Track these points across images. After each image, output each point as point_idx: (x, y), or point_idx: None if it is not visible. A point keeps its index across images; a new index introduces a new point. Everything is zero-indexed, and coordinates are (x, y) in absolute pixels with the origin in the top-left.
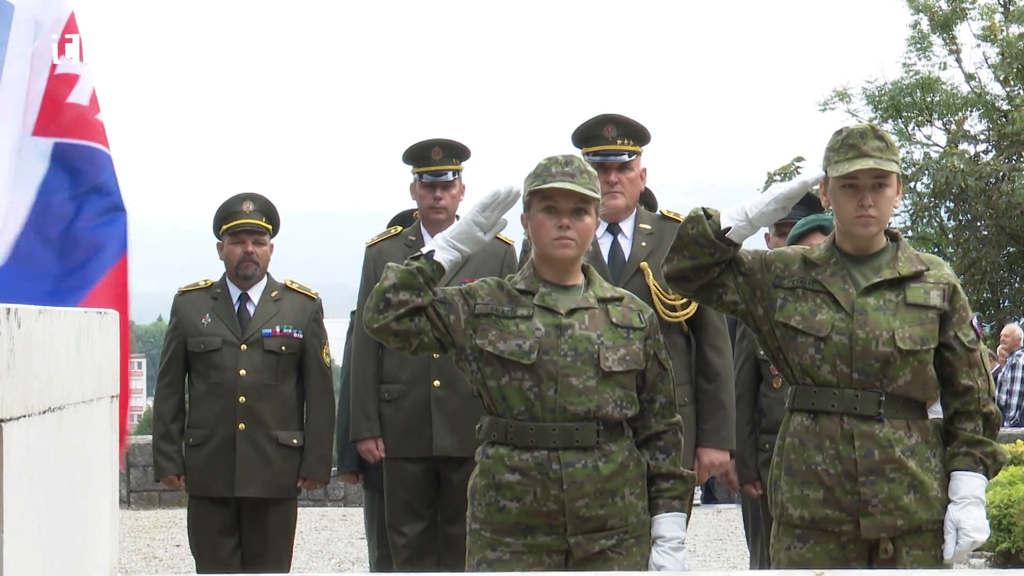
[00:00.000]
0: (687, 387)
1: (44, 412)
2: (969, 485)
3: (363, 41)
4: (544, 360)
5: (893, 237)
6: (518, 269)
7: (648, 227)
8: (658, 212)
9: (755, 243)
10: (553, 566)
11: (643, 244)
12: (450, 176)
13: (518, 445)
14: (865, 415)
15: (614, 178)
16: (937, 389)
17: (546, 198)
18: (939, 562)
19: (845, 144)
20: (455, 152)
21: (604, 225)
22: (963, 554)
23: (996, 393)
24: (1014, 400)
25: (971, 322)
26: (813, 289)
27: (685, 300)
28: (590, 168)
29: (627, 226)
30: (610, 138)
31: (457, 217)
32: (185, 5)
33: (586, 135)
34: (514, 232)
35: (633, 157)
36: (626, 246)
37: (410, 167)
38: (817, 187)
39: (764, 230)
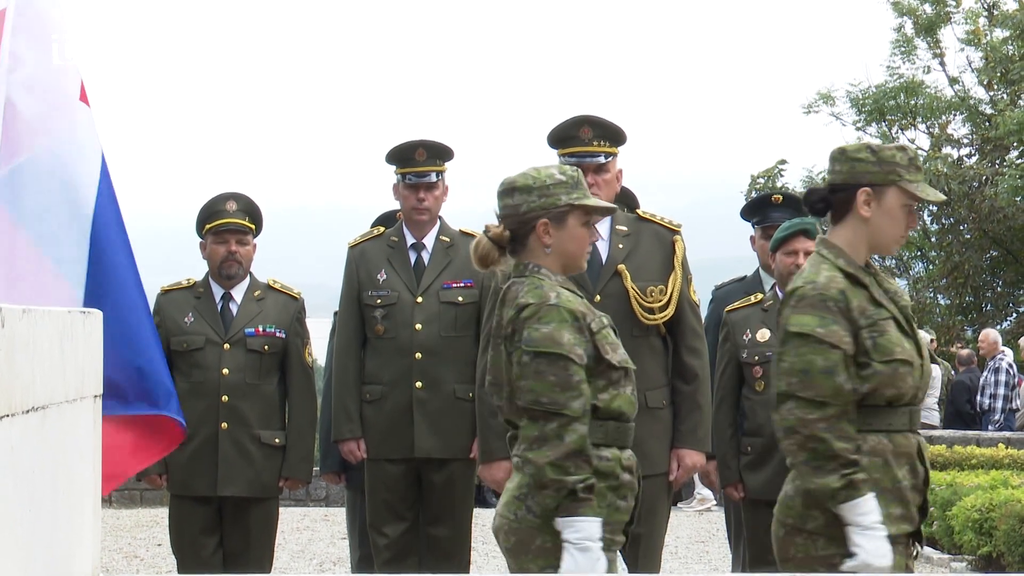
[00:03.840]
0: (665, 389)
1: (27, 411)
2: None
3: (345, 38)
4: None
5: None
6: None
7: (624, 228)
8: (634, 213)
9: (742, 246)
10: None
11: (620, 246)
12: (433, 177)
13: (624, 445)
14: (918, 430)
15: (591, 179)
16: None
17: (589, 213)
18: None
19: (914, 165)
20: (438, 153)
21: None
22: None
23: (979, 397)
24: (998, 404)
25: None
26: (883, 317)
27: (663, 303)
28: None
29: (603, 228)
30: (586, 139)
31: (440, 218)
32: (166, 2)
33: (562, 136)
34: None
35: (609, 159)
36: (603, 248)
37: (393, 168)
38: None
39: (750, 232)
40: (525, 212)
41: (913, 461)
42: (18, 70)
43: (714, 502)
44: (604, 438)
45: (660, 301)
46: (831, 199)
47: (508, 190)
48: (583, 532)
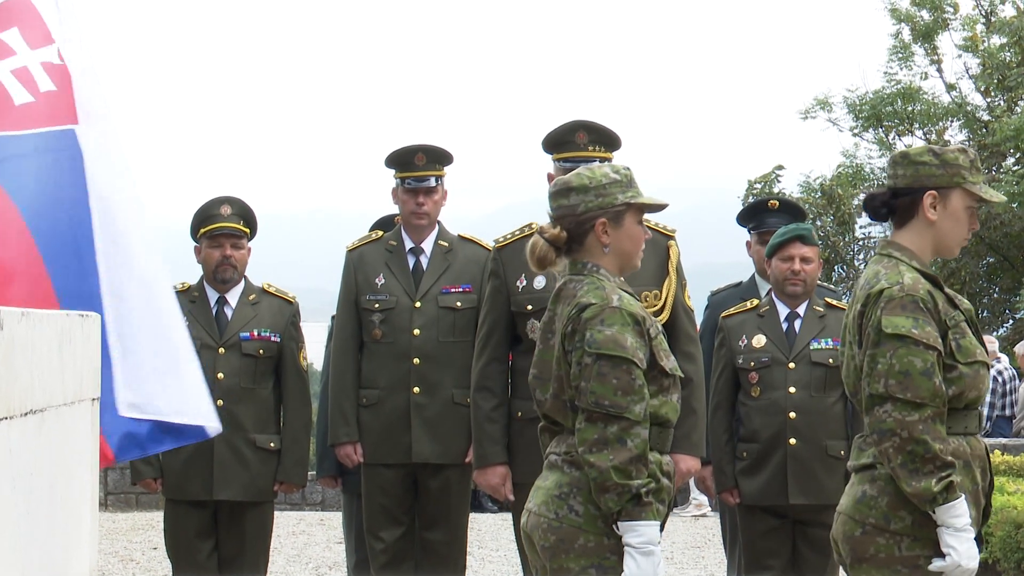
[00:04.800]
0: None
1: (26, 414)
2: None
3: (340, 43)
4: None
5: None
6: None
7: None
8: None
9: (739, 251)
10: None
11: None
12: (433, 182)
13: (664, 450)
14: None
15: None
16: None
17: (644, 211)
18: None
19: (975, 167)
20: (438, 158)
21: None
22: None
23: None
24: (984, 411)
25: None
26: (961, 319)
27: (658, 308)
28: None
29: None
30: (582, 144)
31: (439, 223)
32: (159, 6)
33: (557, 141)
34: (489, 235)
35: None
36: None
37: (393, 172)
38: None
39: (746, 237)
40: (583, 212)
41: (984, 464)
42: (7, 58)
43: (710, 508)
44: (658, 443)
45: (655, 306)
46: (893, 203)
47: (564, 191)
48: (645, 536)
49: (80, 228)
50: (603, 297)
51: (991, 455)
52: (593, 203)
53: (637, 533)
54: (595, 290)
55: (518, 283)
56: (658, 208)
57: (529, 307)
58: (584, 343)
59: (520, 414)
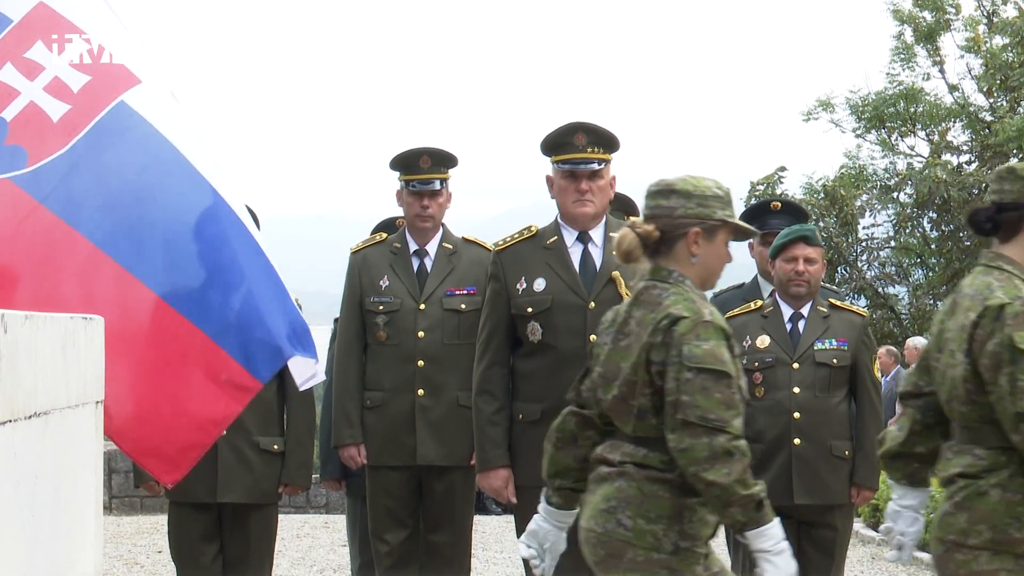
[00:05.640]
0: None
1: (30, 417)
2: None
3: (345, 47)
4: None
5: None
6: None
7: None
8: (627, 220)
9: (741, 252)
10: None
11: (614, 253)
12: (437, 185)
13: None
14: None
15: (585, 186)
16: None
17: (736, 233)
18: None
19: None
20: (442, 161)
21: (574, 234)
22: None
23: None
24: None
25: None
26: None
27: None
28: None
29: (597, 235)
30: (581, 146)
31: (443, 225)
32: (163, 7)
33: (556, 143)
34: (487, 236)
35: (603, 165)
36: (597, 255)
37: (397, 174)
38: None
39: (749, 240)
40: (680, 216)
41: None
42: (38, 76)
43: None
44: None
45: None
46: (999, 218)
47: (665, 191)
48: (775, 538)
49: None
50: (694, 310)
51: None
52: (692, 210)
53: (767, 537)
54: (684, 301)
55: (518, 286)
56: (751, 235)
57: (529, 309)
58: (682, 357)
59: (522, 416)
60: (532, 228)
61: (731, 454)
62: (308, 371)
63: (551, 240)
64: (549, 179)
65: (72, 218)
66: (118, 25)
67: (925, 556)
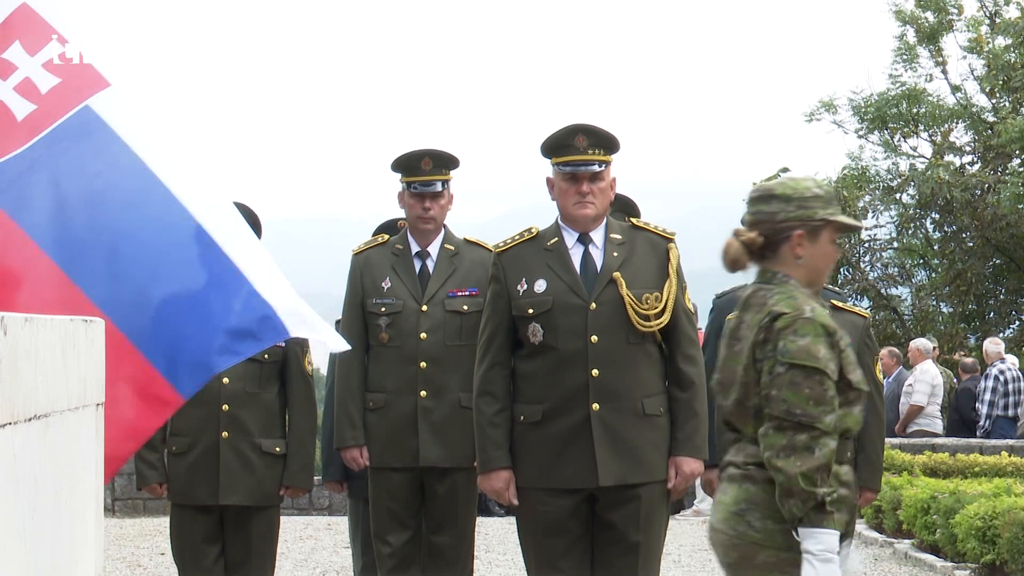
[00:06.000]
0: (662, 397)
1: (30, 419)
2: None
3: (347, 49)
4: None
5: None
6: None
7: (619, 236)
8: (628, 222)
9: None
10: None
11: (615, 254)
12: (439, 186)
13: (843, 460)
14: None
15: (586, 188)
16: None
17: (840, 230)
18: None
19: None
20: (444, 162)
21: (575, 235)
22: None
23: (977, 404)
24: (984, 410)
25: None
26: None
27: (659, 310)
28: None
29: (598, 236)
30: (581, 148)
31: (445, 227)
32: (164, 8)
33: (557, 145)
34: (489, 238)
35: (604, 167)
36: (598, 256)
37: (399, 176)
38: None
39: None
40: (782, 220)
41: None
42: (10, 76)
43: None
44: (841, 455)
45: (655, 308)
46: None
47: (765, 196)
48: (825, 544)
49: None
50: (796, 307)
51: (999, 456)
52: (793, 213)
53: (817, 540)
54: (787, 299)
55: (519, 287)
56: (855, 229)
57: (530, 311)
58: (777, 352)
59: (523, 418)
60: (533, 230)
61: (810, 450)
62: (325, 339)
63: (552, 241)
64: (549, 181)
65: (21, 217)
66: (96, 24)
67: (926, 556)
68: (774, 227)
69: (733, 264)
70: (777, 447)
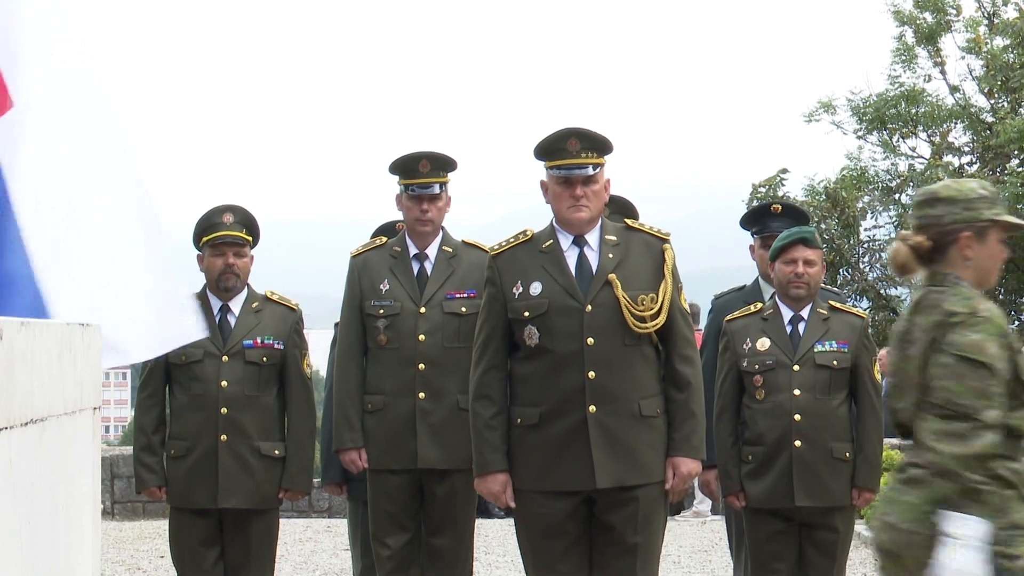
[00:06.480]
0: (658, 398)
1: (26, 424)
2: None
3: (346, 51)
4: None
5: None
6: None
7: (614, 238)
8: (623, 223)
9: (743, 255)
10: None
11: (610, 255)
12: (437, 189)
13: (1016, 459)
14: None
15: (580, 191)
16: None
17: (1007, 230)
18: None
19: None
20: (442, 165)
21: (570, 238)
22: None
23: None
24: None
25: None
26: None
27: (655, 311)
28: None
29: (592, 238)
30: (574, 151)
31: (443, 229)
32: (163, 9)
33: (550, 149)
34: (487, 239)
35: (597, 170)
36: (593, 258)
37: (397, 178)
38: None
39: (750, 241)
40: (949, 223)
41: None
42: None
43: (710, 515)
44: (1012, 453)
45: (651, 309)
46: None
47: (930, 200)
48: (971, 530)
49: None
50: (970, 306)
51: None
52: (959, 216)
53: (961, 524)
54: (963, 300)
55: (514, 290)
56: (1021, 229)
57: (526, 314)
58: (946, 344)
59: (520, 420)
60: (527, 232)
61: (967, 437)
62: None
63: (547, 244)
64: (543, 185)
65: None
66: (31, 36)
67: None
68: (941, 230)
69: (902, 269)
70: (937, 431)
